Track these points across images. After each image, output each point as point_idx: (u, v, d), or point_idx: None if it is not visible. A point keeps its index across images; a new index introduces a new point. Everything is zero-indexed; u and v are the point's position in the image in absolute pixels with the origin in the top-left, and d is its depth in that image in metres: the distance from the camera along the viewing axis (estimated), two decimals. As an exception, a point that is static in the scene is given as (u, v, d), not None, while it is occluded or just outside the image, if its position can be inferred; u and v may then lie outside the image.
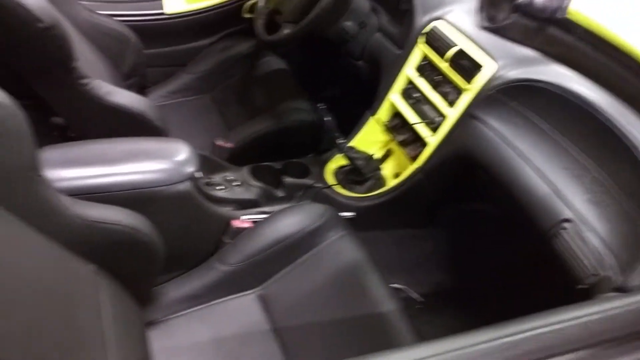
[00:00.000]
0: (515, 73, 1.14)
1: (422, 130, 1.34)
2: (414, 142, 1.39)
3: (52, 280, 0.72)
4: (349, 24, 1.53)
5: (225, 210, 1.23)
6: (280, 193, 1.37)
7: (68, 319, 0.70)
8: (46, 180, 0.78)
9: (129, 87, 1.55)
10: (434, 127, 1.31)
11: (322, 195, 1.41)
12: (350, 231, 1.19)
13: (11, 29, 0.95)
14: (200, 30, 1.86)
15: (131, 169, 1.01)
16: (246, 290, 1.10)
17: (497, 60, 1.20)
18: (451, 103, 1.28)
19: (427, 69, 1.37)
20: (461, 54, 1.25)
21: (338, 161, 1.51)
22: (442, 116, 1.29)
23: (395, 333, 1.03)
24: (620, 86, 0.98)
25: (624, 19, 1.05)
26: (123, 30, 1.57)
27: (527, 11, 1.15)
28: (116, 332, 0.79)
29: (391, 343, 1.00)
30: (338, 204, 1.39)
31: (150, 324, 1.00)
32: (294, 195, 1.39)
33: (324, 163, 1.50)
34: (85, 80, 1.10)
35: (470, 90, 1.22)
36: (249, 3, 1.88)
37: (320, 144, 1.66)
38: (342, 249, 1.15)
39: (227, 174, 1.34)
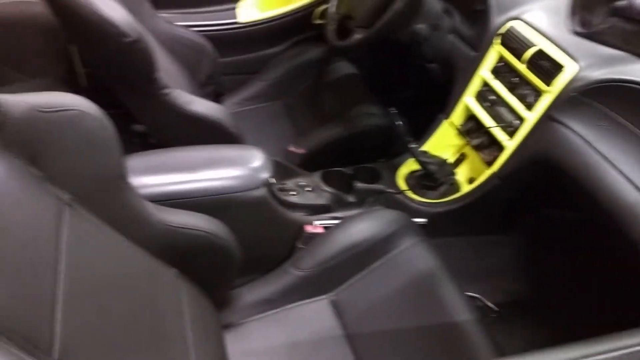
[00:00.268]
0: (599, 73, 1.08)
1: (499, 134, 1.30)
2: (490, 146, 1.35)
3: (139, 285, 0.76)
4: (421, 27, 1.51)
5: (298, 215, 1.25)
6: (351, 198, 1.37)
7: (154, 322, 0.73)
8: (133, 187, 0.82)
9: (206, 95, 1.61)
10: (511, 130, 1.27)
11: (393, 201, 1.40)
12: (424, 238, 1.18)
13: (100, 44, 1.02)
14: (272, 38, 1.91)
15: (209, 176, 1.05)
16: (319, 295, 1.11)
17: (579, 61, 1.14)
18: (529, 106, 1.23)
19: (503, 70, 1.33)
20: (540, 54, 1.20)
21: (410, 166, 1.49)
22: (520, 119, 1.25)
23: (471, 344, 1.00)
24: None
25: None
26: (199, 41, 1.63)
27: (627, 14, 1.09)
28: (196, 335, 0.82)
29: (467, 354, 0.98)
30: (410, 210, 1.37)
31: (227, 327, 1.03)
32: (365, 201, 1.39)
33: (395, 168, 1.49)
34: (166, 91, 1.15)
35: (550, 92, 1.17)
36: (320, 9, 1.90)
37: (392, 148, 1.65)
38: (416, 257, 1.14)
39: (299, 179, 1.36)
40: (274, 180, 1.11)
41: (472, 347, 1.00)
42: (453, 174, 1.44)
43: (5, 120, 0.63)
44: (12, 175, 0.62)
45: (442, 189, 1.42)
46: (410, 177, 1.47)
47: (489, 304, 1.34)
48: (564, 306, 1.42)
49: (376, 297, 1.10)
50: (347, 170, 1.44)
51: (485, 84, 1.37)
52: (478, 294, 1.33)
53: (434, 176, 1.39)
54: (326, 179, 1.38)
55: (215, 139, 1.25)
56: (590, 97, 1.09)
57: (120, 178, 0.79)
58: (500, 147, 1.30)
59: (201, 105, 1.23)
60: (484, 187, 1.32)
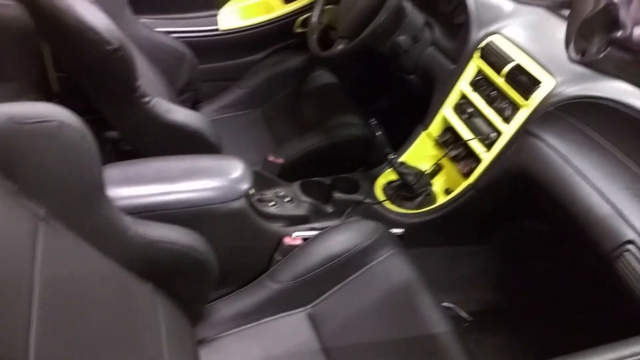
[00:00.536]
0: (575, 90, 1.11)
1: (476, 146, 1.31)
2: (466, 157, 1.37)
3: (115, 301, 0.74)
4: (402, 38, 1.52)
5: (277, 226, 1.24)
6: (329, 209, 1.38)
7: (131, 339, 0.72)
8: (110, 200, 0.80)
9: (183, 103, 1.60)
10: (488, 143, 1.28)
11: (372, 211, 1.41)
12: (401, 249, 1.18)
13: (81, 51, 1.00)
14: (252, 45, 1.90)
15: (188, 187, 1.03)
16: (296, 308, 1.10)
17: (556, 77, 1.16)
18: (507, 119, 1.25)
19: (481, 84, 1.35)
20: (518, 69, 1.22)
21: (388, 176, 1.50)
22: (497, 132, 1.27)
23: (448, 356, 1.01)
24: None
25: None
26: (179, 48, 1.62)
27: (625, 45, 1.11)
28: (172, 351, 0.81)
29: (444, 366, 0.99)
30: (388, 220, 1.38)
31: (202, 342, 1.01)
32: (344, 211, 1.39)
33: (373, 178, 1.49)
34: (146, 99, 1.14)
35: (528, 107, 1.19)
36: (301, 18, 1.90)
37: (371, 158, 1.66)
38: (394, 268, 1.14)
39: (278, 189, 1.36)
40: (253, 191, 1.11)
41: (449, 359, 1.01)
42: (430, 184, 1.45)
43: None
44: (-16, 190, 0.60)
45: (419, 199, 1.43)
46: (388, 188, 1.48)
47: (463, 314, 1.35)
48: (533, 314, 1.45)
49: (354, 309, 1.10)
50: (325, 180, 1.44)
51: (464, 97, 1.39)
52: (452, 303, 1.34)
53: (412, 187, 1.40)
54: (305, 189, 1.38)
55: (194, 148, 1.24)
56: (565, 112, 1.11)
57: (98, 190, 0.77)
58: (476, 159, 1.32)
59: (181, 114, 1.22)
60: (460, 198, 1.33)
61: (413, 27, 1.53)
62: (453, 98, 1.42)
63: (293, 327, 1.07)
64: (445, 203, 1.36)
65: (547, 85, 1.16)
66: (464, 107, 1.38)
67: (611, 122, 1.03)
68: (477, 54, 1.35)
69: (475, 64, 1.36)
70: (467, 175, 1.34)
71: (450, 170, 1.44)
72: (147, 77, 1.35)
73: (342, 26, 1.52)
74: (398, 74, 1.66)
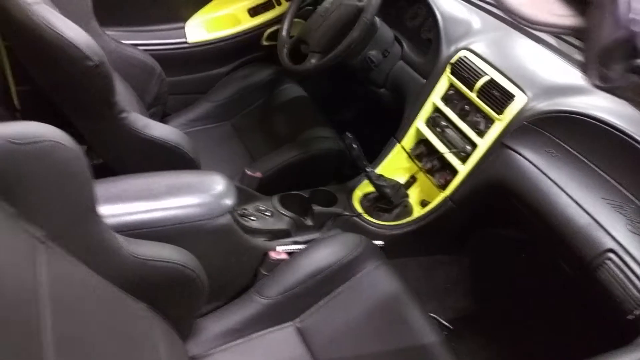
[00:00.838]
0: (546, 104, 1.16)
1: (451, 159, 1.35)
2: (441, 170, 1.40)
3: (112, 321, 0.72)
4: (373, 53, 1.54)
5: (261, 241, 1.23)
6: (309, 221, 1.38)
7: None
8: (102, 220, 0.78)
9: (152, 116, 1.56)
10: (464, 156, 1.32)
11: (351, 223, 1.42)
12: (385, 261, 1.20)
13: (62, 66, 0.97)
14: (220, 58, 1.88)
15: (172, 204, 1.01)
16: (285, 322, 1.10)
17: (526, 91, 1.21)
18: (481, 133, 1.29)
19: (454, 98, 1.39)
20: (491, 83, 1.27)
21: (364, 188, 1.51)
22: (472, 145, 1.30)
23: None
24: None
25: None
26: (148, 61, 1.58)
27: None
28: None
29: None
30: (367, 232, 1.39)
31: (194, 359, 0.99)
32: (323, 224, 1.39)
33: (350, 190, 1.50)
34: (124, 115, 1.11)
35: (502, 120, 1.23)
36: (269, 31, 1.90)
37: (345, 171, 1.67)
38: (380, 279, 1.16)
39: (258, 203, 1.35)
40: (235, 206, 1.10)
41: None
42: (406, 196, 1.47)
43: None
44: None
45: (397, 211, 1.45)
46: (365, 200, 1.49)
47: (444, 322, 1.38)
48: (511, 322, 1.49)
49: (342, 321, 1.10)
50: (304, 193, 1.44)
51: (437, 110, 1.43)
52: (431, 312, 1.36)
53: (390, 199, 1.42)
54: (284, 203, 1.38)
55: (173, 163, 1.22)
56: (539, 126, 1.16)
57: (92, 210, 0.75)
58: (451, 171, 1.35)
59: (159, 129, 1.19)
60: (438, 210, 1.36)
61: (383, 42, 1.56)
62: (426, 111, 1.45)
63: (282, 341, 1.07)
64: (424, 215, 1.38)
65: (520, 99, 1.21)
66: (437, 121, 1.42)
67: (583, 135, 1.08)
68: (448, 69, 1.39)
69: (446, 79, 1.40)
70: (442, 187, 1.37)
71: (424, 182, 1.47)
72: (120, 92, 1.32)
73: (314, 40, 1.53)
74: (367, 88, 1.69)
